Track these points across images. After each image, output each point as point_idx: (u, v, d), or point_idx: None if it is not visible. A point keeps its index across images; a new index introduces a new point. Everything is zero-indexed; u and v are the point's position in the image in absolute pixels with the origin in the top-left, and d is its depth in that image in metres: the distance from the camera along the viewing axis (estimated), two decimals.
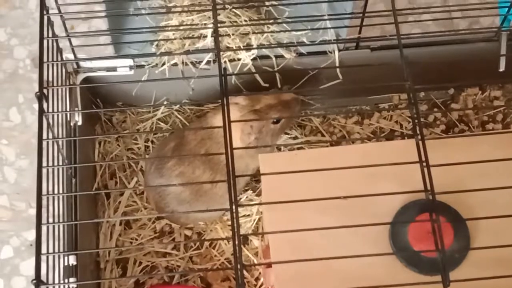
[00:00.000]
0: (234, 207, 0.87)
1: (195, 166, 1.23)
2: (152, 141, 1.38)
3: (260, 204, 1.26)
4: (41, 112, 0.93)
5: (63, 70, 1.21)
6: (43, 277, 0.87)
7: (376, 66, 1.30)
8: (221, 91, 0.93)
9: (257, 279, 1.28)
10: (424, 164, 0.89)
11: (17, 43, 1.52)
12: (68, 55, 1.23)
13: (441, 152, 0.94)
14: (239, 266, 0.83)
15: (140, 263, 1.29)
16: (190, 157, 1.23)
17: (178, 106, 1.40)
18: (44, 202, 0.95)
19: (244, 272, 1.28)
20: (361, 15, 1.22)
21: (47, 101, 0.97)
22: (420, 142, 0.90)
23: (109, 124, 1.40)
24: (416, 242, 1.02)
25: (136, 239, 1.31)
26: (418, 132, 0.91)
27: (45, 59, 1.00)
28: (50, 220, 1.06)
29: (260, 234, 1.29)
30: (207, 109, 1.40)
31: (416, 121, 0.91)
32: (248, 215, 1.32)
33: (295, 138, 1.38)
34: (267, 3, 1.32)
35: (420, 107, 1.41)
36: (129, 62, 1.26)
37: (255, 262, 1.29)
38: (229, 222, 1.30)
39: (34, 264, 0.85)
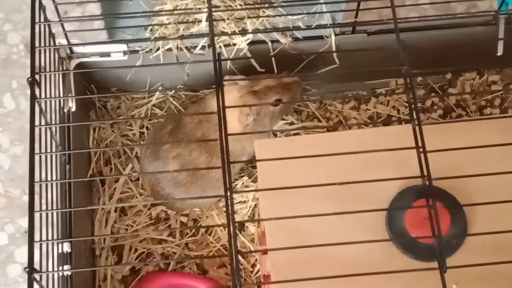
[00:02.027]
0: (229, 193, 0.86)
1: (192, 148, 1.22)
2: (147, 127, 1.37)
3: (255, 190, 1.25)
4: (33, 98, 0.91)
5: (56, 55, 1.20)
6: (37, 264, 0.87)
7: (373, 50, 1.29)
8: (215, 76, 0.92)
9: (253, 265, 1.28)
10: (421, 149, 0.88)
11: (11, 29, 1.50)
12: (61, 40, 1.21)
13: (438, 137, 0.93)
14: (234, 253, 0.82)
15: (136, 249, 1.28)
16: (186, 139, 1.22)
17: (173, 91, 1.39)
18: (37, 189, 0.94)
19: (240, 258, 1.27)
20: None
21: (39, 87, 0.95)
22: (417, 128, 0.89)
23: (103, 110, 1.39)
24: (412, 228, 1.01)
25: (132, 226, 1.30)
26: (415, 117, 0.89)
27: (37, 44, 0.99)
28: (44, 207, 1.06)
29: (256, 221, 1.28)
30: (202, 95, 1.39)
31: (413, 106, 0.90)
32: (244, 201, 1.31)
33: (291, 123, 1.37)
34: None
35: (417, 92, 1.40)
36: (123, 47, 1.25)
37: (251, 248, 1.28)
38: (225, 209, 1.29)
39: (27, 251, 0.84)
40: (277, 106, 1.25)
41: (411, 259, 1.01)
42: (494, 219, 1.01)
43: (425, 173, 0.87)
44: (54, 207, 1.11)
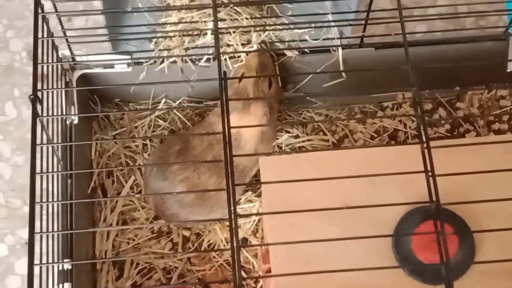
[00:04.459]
0: (233, 216, 0.84)
1: (201, 172, 1.19)
2: (150, 140, 1.35)
3: (260, 214, 1.23)
4: (35, 115, 0.89)
5: (59, 66, 1.18)
6: (36, 277, 0.85)
7: (380, 63, 1.28)
8: (220, 96, 0.90)
9: (256, 281, 1.26)
10: (430, 173, 0.86)
11: (13, 35, 1.49)
12: (64, 51, 1.20)
13: (447, 156, 0.91)
14: (238, 279, 0.80)
15: (137, 264, 1.26)
16: (195, 162, 1.20)
17: (177, 103, 1.37)
18: (38, 199, 0.92)
19: (243, 274, 1.26)
20: (365, 13, 1.18)
21: (41, 104, 0.93)
22: (426, 151, 0.87)
23: (106, 121, 1.37)
24: (420, 250, 0.99)
25: (133, 240, 1.28)
26: (424, 139, 0.87)
27: (39, 58, 0.97)
28: (44, 218, 1.04)
29: (260, 246, 1.25)
30: (206, 107, 1.37)
31: (422, 128, 0.88)
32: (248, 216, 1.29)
33: (297, 136, 1.35)
34: None
35: (424, 106, 1.38)
36: (127, 59, 1.23)
37: (254, 263, 1.26)
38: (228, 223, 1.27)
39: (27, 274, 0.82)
40: (272, 86, 1.24)
41: (418, 282, 0.99)
42: (503, 240, 1.00)
43: (434, 198, 0.85)
44: (55, 219, 1.10)
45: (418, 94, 0.90)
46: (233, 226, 0.84)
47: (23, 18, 1.49)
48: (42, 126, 0.96)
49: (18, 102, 1.43)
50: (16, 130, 1.41)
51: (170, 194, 1.19)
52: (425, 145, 0.87)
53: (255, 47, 1.23)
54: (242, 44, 1.23)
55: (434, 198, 0.85)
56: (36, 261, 0.90)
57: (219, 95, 0.90)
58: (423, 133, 0.88)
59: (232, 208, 0.85)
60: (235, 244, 0.83)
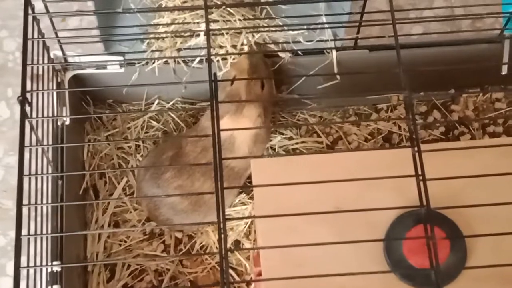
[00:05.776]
0: (222, 221, 0.83)
1: (195, 178, 1.19)
2: (143, 141, 1.34)
3: (250, 217, 1.22)
4: (23, 117, 0.88)
5: (50, 67, 1.18)
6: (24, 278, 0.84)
7: (374, 65, 1.27)
8: (210, 98, 0.89)
9: (248, 284, 1.26)
10: (420, 177, 0.85)
11: (7, 35, 1.48)
12: (56, 52, 1.19)
13: (439, 159, 0.91)
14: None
15: (129, 266, 1.26)
16: (189, 170, 1.18)
17: (170, 104, 1.36)
18: (26, 201, 0.91)
19: (236, 277, 1.25)
20: (359, 15, 1.18)
21: (30, 105, 0.92)
22: (417, 155, 0.86)
23: (99, 122, 1.36)
24: (411, 254, 0.98)
25: (125, 241, 1.28)
26: (415, 144, 0.87)
27: (30, 59, 0.96)
28: (36, 218, 1.04)
29: (250, 249, 1.24)
30: (200, 108, 1.36)
31: (413, 133, 0.88)
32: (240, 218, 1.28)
33: (290, 138, 1.34)
34: (262, 0, 1.28)
35: (419, 108, 1.37)
36: (119, 59, 1.22)
37: (247, 266, 1.26)
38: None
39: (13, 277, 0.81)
40: (264, 87, 1.22)
41: (410, 286, 0.99)
42: (495, 244, 0.99)
43: (424, 203, 0.84)
44: (44, 221, 1.09)
45: (409, 98, 0.90)
46: (222, 229, 0.83)
47: (16, 18, 1.49)
48: (32, 128, 0.95)
49: (11, 102, 1.42)
50: (9, 131, 1.40)
51: (159, 197, 1.18)
52: (416, 149, 0.87)
53: (246, 48, 1.22)
54: (234, 46, 1.22)
55: (425, 202, 0.84)
56: (26, 263, 0.90)
57: (209, 97, 0.89)
58: (414, 137, 0.88)
59: (221, 212, 0.84)
60: (223, 248, 0.82)
